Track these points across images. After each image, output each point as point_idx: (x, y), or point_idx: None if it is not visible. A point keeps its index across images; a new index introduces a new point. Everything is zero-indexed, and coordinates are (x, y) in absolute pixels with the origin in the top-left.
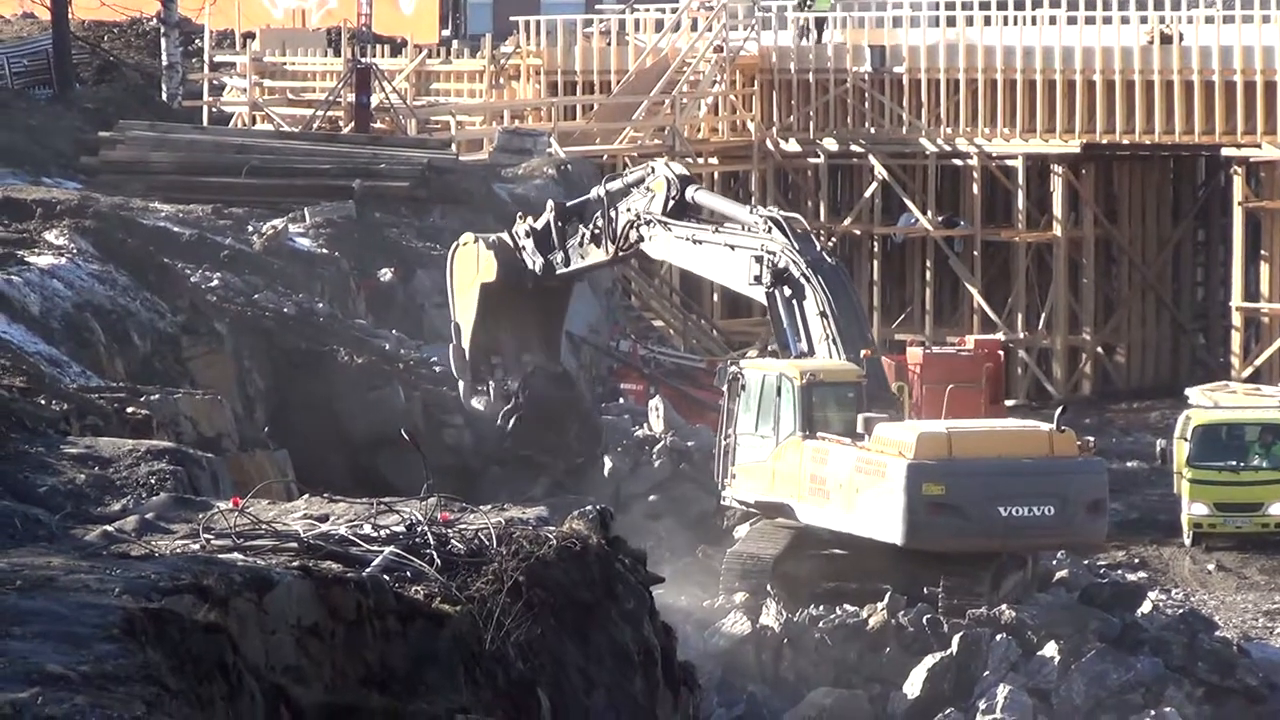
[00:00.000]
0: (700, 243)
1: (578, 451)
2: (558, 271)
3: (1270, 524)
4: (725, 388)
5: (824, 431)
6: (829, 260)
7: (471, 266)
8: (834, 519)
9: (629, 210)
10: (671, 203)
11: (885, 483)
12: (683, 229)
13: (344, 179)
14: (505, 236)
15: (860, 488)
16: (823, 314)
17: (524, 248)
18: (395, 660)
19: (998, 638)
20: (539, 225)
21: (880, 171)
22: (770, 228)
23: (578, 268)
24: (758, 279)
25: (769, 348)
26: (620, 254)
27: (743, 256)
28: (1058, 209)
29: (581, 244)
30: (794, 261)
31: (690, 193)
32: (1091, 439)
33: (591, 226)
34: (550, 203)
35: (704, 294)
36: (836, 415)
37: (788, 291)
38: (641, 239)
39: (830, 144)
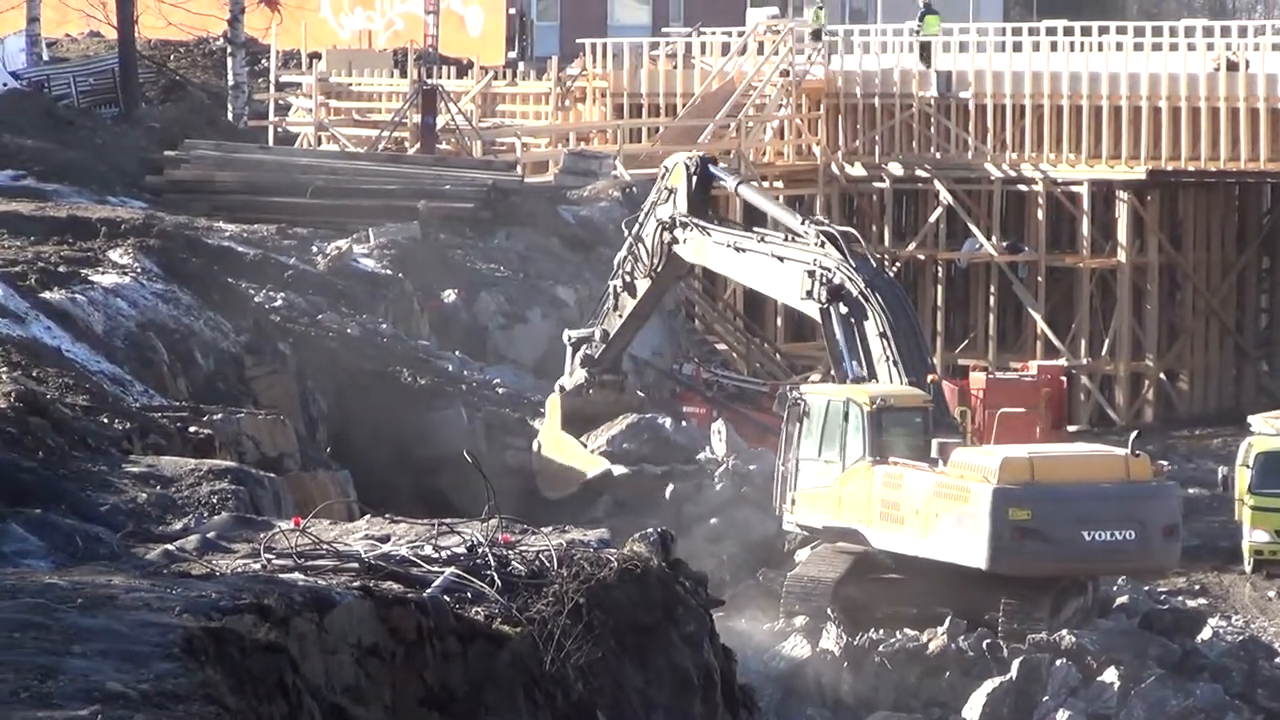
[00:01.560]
0: (743, 250)
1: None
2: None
3: None
4: (785, 413)
5: (889, 456)
6: (887, 279)
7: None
8: (910, 544)
9: (655, 220)
10: (695, 182)
11: (969, 508)
12: (723, 234)
13: (409, 200)
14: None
15: (940, 513)
16: (882, 335)
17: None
18: (455, 681)
19: (1058, 663)
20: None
21: (945, 196)
22: (823, 241)
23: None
24: (810, 294)
25: (831, 373)
26: (660, 270)
27: (794, 270)
28: (1122, 235)
29: (618, 303)
30: (850, 279)
31: (736, 186)
32: (1165, 463)
33: (621, 274)
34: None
35: (767, 318)
36: (903, 440)
37: (844, 309)
38: (676, 241)
39: (895, 169)
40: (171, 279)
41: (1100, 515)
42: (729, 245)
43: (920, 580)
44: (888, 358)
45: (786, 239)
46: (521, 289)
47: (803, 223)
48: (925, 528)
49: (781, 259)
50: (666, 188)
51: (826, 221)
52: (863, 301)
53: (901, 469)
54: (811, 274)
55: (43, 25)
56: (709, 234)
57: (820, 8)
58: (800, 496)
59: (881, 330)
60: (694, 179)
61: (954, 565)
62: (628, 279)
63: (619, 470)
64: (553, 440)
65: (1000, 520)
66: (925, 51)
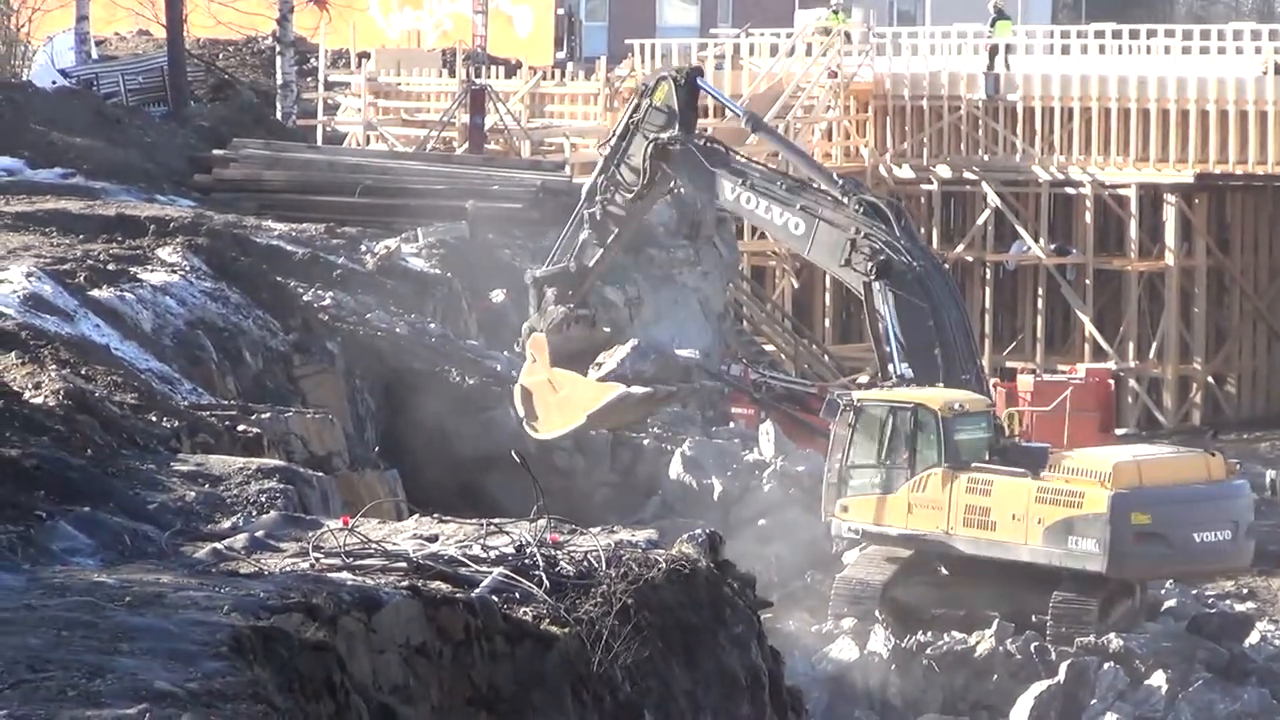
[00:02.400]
0: (764, 194)
1: None
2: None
3: None
4: (835, 419)
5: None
6: (938, 263)
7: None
8: (1005, 550)
9: (645, 140)
10: (685, 98)
11: (1083, 512)
12: (743, 166)
13: (457, 200)
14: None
15: (1044, 518)
16: (936, 325)
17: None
18: (502, 681)
19: (1105, 666)
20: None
21: (993, 199)
22: (862, 208)
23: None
24: (849, 263)
25: (879, 376)
26: (646, 192)
27: (832, 233)
28: (1170, 238)
29: (598, 233)
30: (899, 255)
31: (751, 128)
32: (1236, 461)
33: (599, 201)
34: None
35: (816, 319)
36: (968, 444)
37: (892, 289)
38: (669, 159)
39: (943, 171)
40: (220, 277)
41: (1205, 516)
42: (745, 184)
43: (968, 583)
44: (937, 346)
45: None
46: None
47: (838, 183)
48: (1027, 533)
49: (815, 215)
50: (655, 106)
51: (869, 190)
52: (918, 285)
53: (991, 475)
54: (853, 242)
55: (92, 23)
56: (731, 169)
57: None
58: (856, 503)
59: (934, 320)
60: (683, 93)
61: (1061, 569)
62: (607, 205)
63: (638, 390)
64: (542, 378)
65: (1122, 524)
66: (995, 55)
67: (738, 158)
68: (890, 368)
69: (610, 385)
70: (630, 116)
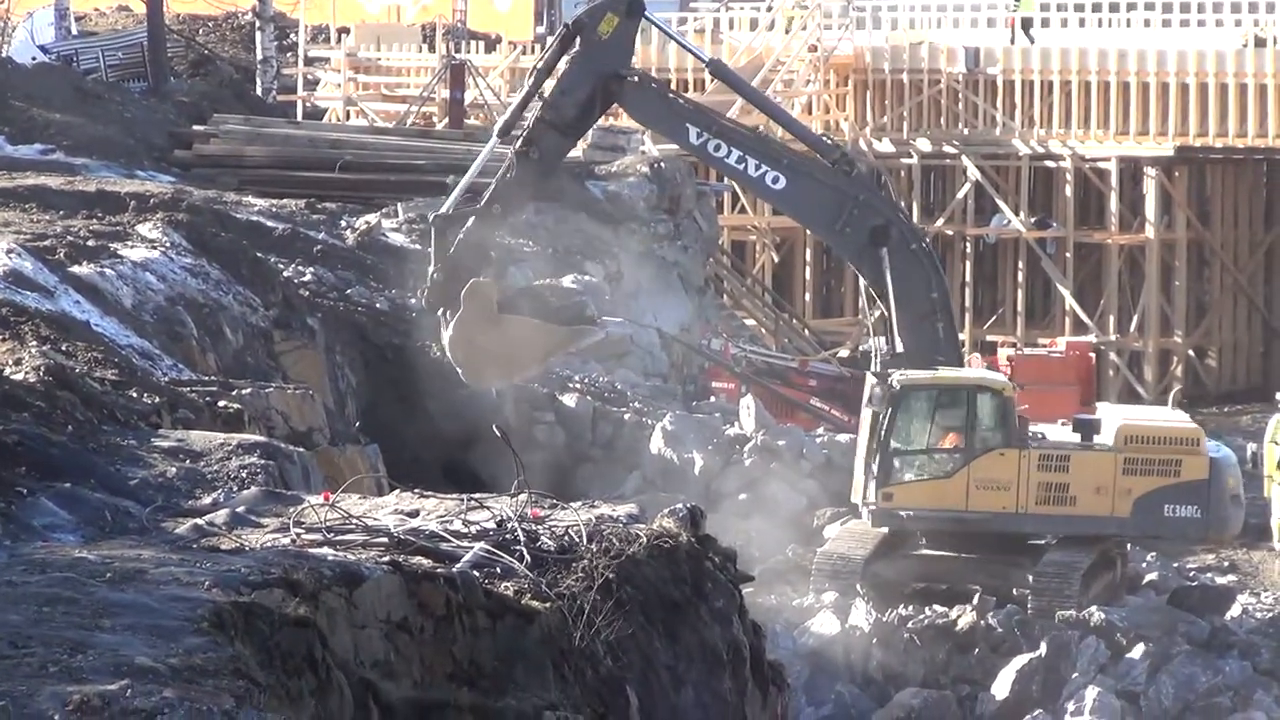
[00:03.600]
0: (738, 143)
1: None
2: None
3: None
4: (880, 402)
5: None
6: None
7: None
8: (1090, 524)
9: (592, 73)
10: (629, 19)
11: (1182, 480)
12: (701, 116)
13: (438, 175)
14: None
15: (1135, 489)
16: (933, 295)
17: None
18: (484, 656)
19: (1086, 640)
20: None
21: (973, 172)
22: (854, 170)
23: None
24: (843, 228)
25: (860, 348)
26: (582, 126)
27: (825, 195)
28: (1150, 211)
29: (520, 169)
30: (895, 224)
31: (714, 74)
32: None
33: (530, 133)
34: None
35: (796, 293)
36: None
37: (887, 256)
38: (619, 96)
39: (923, 144)
40: (200, 253)
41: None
42: (730, 141)
43: (950, 557)
44: (934, 316)
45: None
46: (550, 264)
47: (825, 138)
48: (1113, 505)
49: (805, 174)
50: (601, 39)
51: (839, 146)
52: (921, 253)
53: (1068, 450)
54: (841, 204)
55: None
56: (693, 116)
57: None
58: (903, 489)
59: (934, 291)
60: (630, 26)
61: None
62: (537, 143)
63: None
64: (486, 327)
65: (1222, 489)
66: (1026, 28)
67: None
68: (888, 340)
69: (578, 330)
70: (560, 50)
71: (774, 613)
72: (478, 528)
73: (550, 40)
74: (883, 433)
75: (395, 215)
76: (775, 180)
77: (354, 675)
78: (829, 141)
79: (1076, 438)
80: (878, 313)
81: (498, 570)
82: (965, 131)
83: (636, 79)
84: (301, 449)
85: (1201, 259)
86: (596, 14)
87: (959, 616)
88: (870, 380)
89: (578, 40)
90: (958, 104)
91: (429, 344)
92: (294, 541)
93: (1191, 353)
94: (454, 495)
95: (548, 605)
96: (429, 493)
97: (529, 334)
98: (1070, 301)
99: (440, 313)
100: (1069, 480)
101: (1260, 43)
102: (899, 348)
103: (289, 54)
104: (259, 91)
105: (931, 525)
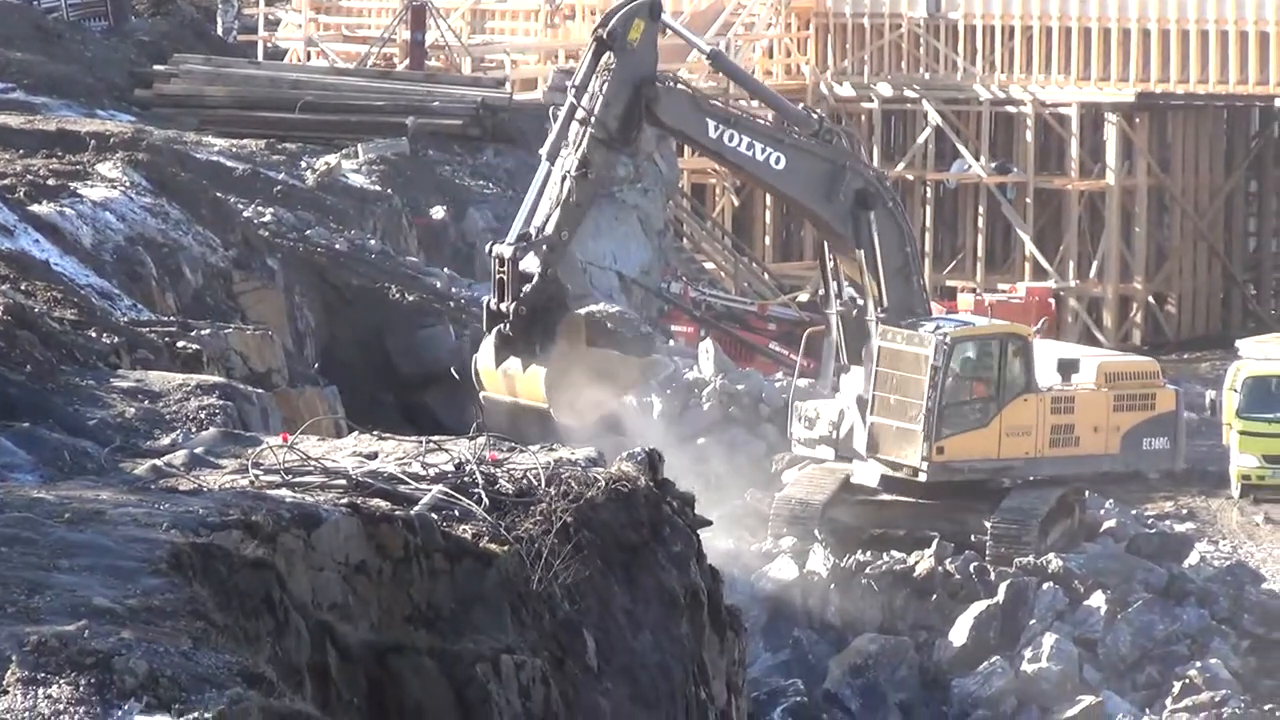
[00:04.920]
0: (747, 130)
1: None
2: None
3: None
4: (941, 358)
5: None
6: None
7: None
8: (1089, 464)
9: (626, 83)
10: (652, 24)
11: (1157, 413)
12: (720, 110)
13: (398, 116)
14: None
15: (1122, 424)
16: (907, 249)
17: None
18: (442, 599)
19: (1044, 586)
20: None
21: (934, 117)
22: (836, 137)
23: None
24: (834, 196)
25: (819, 292)
26: (629, 136)
27: (816, 166)
28: (1111, 157)
29: (575, 192)
30: (877, 186)
31: (713, 64)
32: None
33: (578, 153)
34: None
35: (756, 237)
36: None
37: (872, 217)
38: (655, 102)
39: (884, 89)
40: (160, 193)
41: None
42: (725, 121)
43: (908, 503)
44: (912, 272)
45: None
46: (510, 206)
47: (806, 110)
48: (1107, 443)
49: (798, 148)
50: (631, 47)
51: (823, 117)
52: (893, 212)
53: (1073, 391)
54: (833, 174)
55: None
56: (712, 111)
57: None
58: (953, 443)
59: (907, 246)
60: (653, 31)
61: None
62: (588, 160)
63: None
64: (577, 360)
65: (1183, 419)
66: None
67: (715, 101)
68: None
69: (649, 362)
70: (593, 63)
71: (732, 557)
72: (436, 470)
73: (582, 54)
74: (939, 388)
75: (355, 156)
76: (778, 160)
77: (312, 617)
78: (811, 114)
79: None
80: (832, 263)
81: (456, 513)
82: (926, 76)
83: (669, 84)
84: (260, 390)
85: (1161, 205)
86: (625, 22)
87: (917, 562)
88: (874, 334)
89: (608, 52)
90: (919, 48)
91: (388, 285)
92: (252, 483)
93: (1151, 299)
94: (412, 438)
95: (506, 548)
96: (387, 435)
97: (613, 367)
98: (1030, 247)
99: (495, 342)
100: (1074, 421)
101: None
102: (886, 302)
103: None
104: (220, 31)
105: (979, 476)
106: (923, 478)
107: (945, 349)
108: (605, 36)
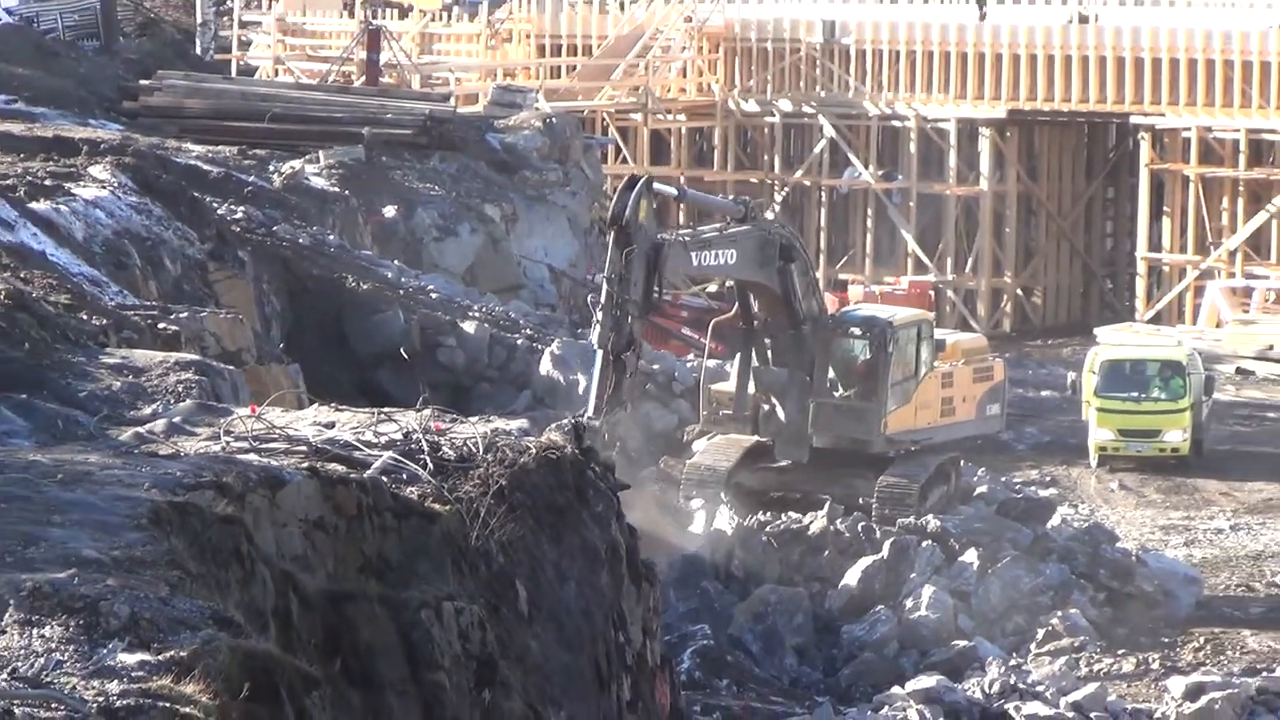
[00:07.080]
0: (707, 246)
1: None
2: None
3: (1166, 449)
4: (892, 344)
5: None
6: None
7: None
8: (960, 429)
9: (642, 255)
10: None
11: (996, 381)
12: (690, 234)
13: (355, 126)
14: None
15: (977, 394)
16: (806, 275)
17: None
18: (391, 552)
19: (924, 544)
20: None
21: (828, 130)
22: (754, 211)
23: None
24: (764, 263)
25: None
26: (654, 298)
27: (754, 243)
28: (985, 166)
29: (626, 367)
30: (787, 236)
31: (680, 195)
32: None
33: (620, 334)
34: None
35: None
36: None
37: (791, 264)
38: (663, 261)
39: (785, 105)
40: (144, 193)
41: None
42: (703, 243)
43: (806, 468)
44: (815, 291)
45: (726, 224)
46: (453, 206)
47: (736, 201)
48: (973, 410)
49: (739, 236)
50: (643, 224)
51: (746, 200)
52: (799, 252)
53: (952, 367)
54: (763, 244)
55: None
56: (684, 241)
57: None
58: (893, 417)
59: (806, 271)
60: (652, 202)
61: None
62: (630, 339)
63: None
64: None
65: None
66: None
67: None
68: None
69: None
70: (620, 252)
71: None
72: (386, 438)
73: (609, 248)
74: (883, 371)
75: (317, 161)
76: (731, 256)
77: (275, 568)
78: (738, 201)
79: None
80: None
81: (404, 476)
82: (822, 94)
83: (670, 240)
84: (232, 367)
85: (1029, 209)
86: (635, 208)
87: (812, 522)
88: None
89: (628, 237)
90: (815, 69)
91: (344, 275)
92: (224, 449)
93: (1019, 292)
94: (366, 410)
95: (448, 508)
96: (344, 407)
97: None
98: (913, 245)
99: None
100: (954, 393)
101: (1084, 19)
102: (803, 316)
103: (225, 18)
104: (198, 51)
105: (910, 447)
106: (878, 450)
107: (893, 335)
108: (625, 227)
